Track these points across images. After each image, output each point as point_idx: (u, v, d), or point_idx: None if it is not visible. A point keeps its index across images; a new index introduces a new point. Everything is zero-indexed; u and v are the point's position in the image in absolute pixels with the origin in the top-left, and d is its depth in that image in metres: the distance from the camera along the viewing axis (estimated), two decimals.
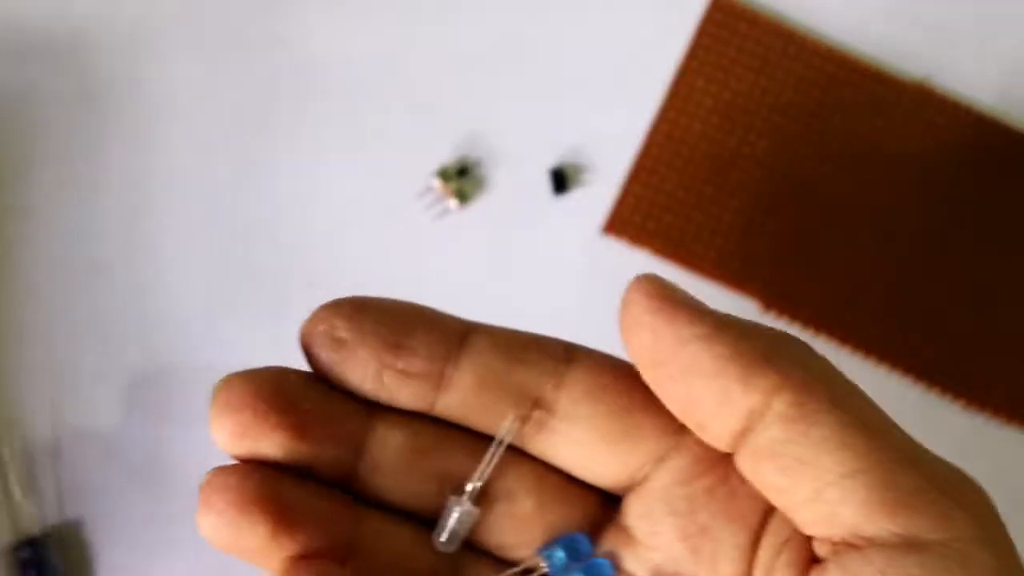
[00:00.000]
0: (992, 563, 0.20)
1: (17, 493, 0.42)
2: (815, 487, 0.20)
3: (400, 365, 0.22)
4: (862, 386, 0.22)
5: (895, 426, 0.21)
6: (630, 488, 0.23)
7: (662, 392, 0.22)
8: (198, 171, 0.44)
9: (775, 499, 0.22)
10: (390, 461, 0.22)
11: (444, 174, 0.43)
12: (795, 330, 0.43)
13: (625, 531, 0.23)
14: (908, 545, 0.20)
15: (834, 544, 0.21)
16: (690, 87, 0.43)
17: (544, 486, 0.24)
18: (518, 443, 0.23)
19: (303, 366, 0.22)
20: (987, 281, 0.43)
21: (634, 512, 0.23)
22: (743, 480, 0.22)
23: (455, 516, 0.23)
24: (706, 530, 0.22)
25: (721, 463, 0.23)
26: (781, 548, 0.22)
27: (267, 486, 0.21)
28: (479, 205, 0.43)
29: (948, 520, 0.20)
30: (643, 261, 0.43)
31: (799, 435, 0.21)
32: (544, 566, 0.23)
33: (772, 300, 0.43)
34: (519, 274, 0.43)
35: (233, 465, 0.21)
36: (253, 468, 0.21)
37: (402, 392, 0.22)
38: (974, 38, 0.45)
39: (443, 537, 0.22)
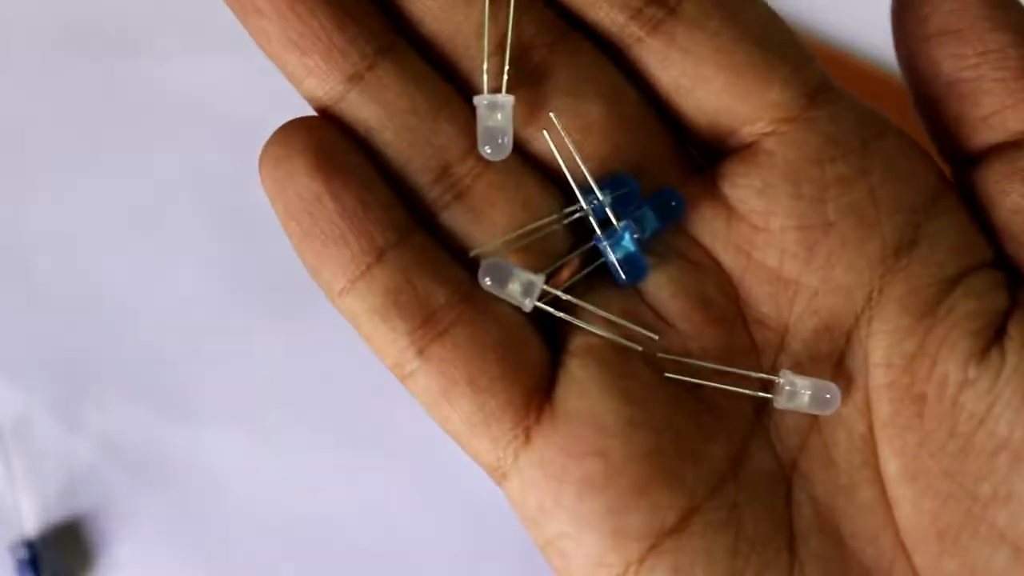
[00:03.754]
0: None
1: (17, 492, 0.41)
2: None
3: None
4: None
5: None
6: (737, 144, 0.19)
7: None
8: (200, 173, 0.44)
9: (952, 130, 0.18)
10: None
11: None
12: None
13: (721, 201, 0.18)
14: None
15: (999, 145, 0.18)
16: None
17: (624, 99, 0.18)
18: (616, 42, 0.18)
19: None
20: None
21: (741, 181, 0.18)
22: (885, 180, 0.18)
23: (498, 105, 0.18)
24: (831, 228, 0.18)
25: (862, 147, 0.19)
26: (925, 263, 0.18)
27: None
28: None
29: None
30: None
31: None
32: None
33: None
34: None
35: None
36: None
37: None
38: None
39: (486, 148, 0.18)
